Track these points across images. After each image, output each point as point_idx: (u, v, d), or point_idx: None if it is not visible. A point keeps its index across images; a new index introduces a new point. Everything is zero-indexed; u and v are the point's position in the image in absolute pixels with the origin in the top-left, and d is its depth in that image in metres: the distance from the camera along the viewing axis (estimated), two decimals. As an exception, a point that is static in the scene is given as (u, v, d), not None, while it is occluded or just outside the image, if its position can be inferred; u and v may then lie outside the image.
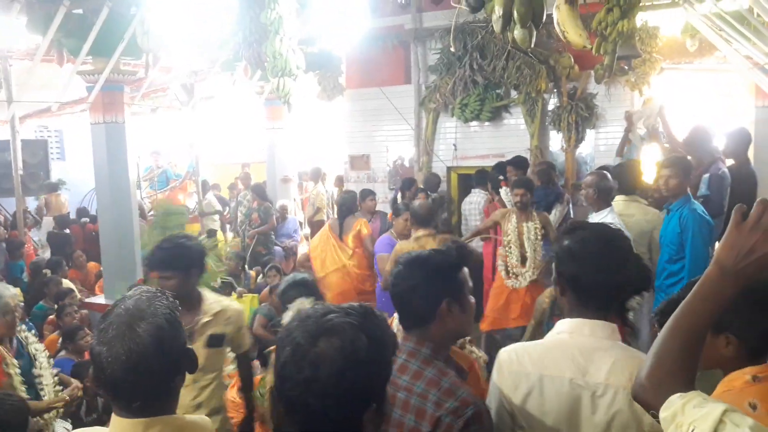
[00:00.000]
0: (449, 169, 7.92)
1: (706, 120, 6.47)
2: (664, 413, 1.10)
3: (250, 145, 12.62)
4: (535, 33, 5.61)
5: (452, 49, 7.06)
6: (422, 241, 4.64)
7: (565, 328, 1.66)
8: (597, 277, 1.59)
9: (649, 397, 1.15)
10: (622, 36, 4.80)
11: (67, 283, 6.39)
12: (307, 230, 10.02)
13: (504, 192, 6.16)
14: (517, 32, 5.45)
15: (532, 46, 5.92)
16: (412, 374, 1.68)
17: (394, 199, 7.05)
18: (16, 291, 3.14)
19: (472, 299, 1.82)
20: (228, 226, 10.62)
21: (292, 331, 1.17)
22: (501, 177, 6.40)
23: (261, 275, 7.41)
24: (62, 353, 4.75)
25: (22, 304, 6.31)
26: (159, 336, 1.36)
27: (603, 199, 4.50)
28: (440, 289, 1.72)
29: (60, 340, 4.97)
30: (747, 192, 5.57)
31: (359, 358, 1.12)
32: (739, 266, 1.10)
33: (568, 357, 1.59)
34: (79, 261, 7.74)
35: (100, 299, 6.73)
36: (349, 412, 1.14)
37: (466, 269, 1.81)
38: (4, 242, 7.31)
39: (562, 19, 4.13)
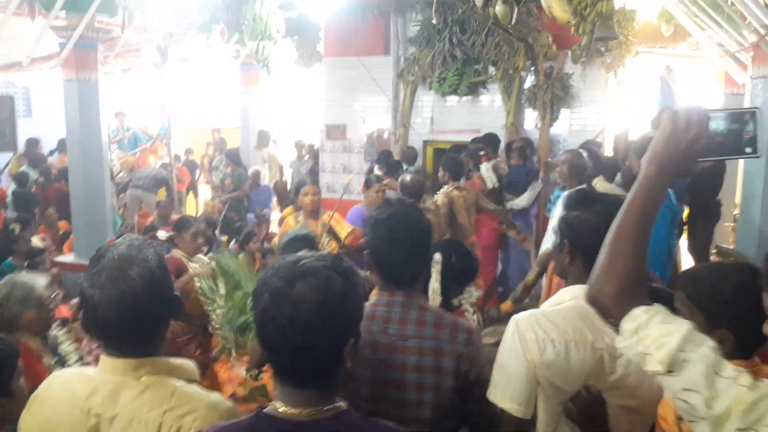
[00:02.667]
0: (425, 142, 7.97)
1: (675, 105, 6.63)
2: (627, 325, 1.16)
3: (223, 110, 12.45)
4: (516, 10, 5.67)
5: (434, 22, 7.06)
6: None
7: (578, 293, 1.70)
8: None
9: (610, 305, 1.19)
10: (600, 17, 4.90)
11: (36, 241, 6.30)
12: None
13: (484, 168, 6.23)
14: (499, 8, 5.52)
15: (513, 22, 6.01)
16: (415, 323, 1.83)
17: (369, 170, 7.07)
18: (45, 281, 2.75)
19: None
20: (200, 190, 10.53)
21: (268, 279, 1.25)
22: (482, 153, 6.44)
23: (234, 241, 7.39)
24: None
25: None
26: (151, 280, 1.42)
27: (576, 177, 4.61)
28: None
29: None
30: (712, 179, 5.74)
31: (335, 295, 1.22)
32: (674, 163, 1.17)
33: (587, 321, 1.67)
34: (50, 219, 7.59)
35: (68, 258, 6.66)
36: (331, 347, 1.23)
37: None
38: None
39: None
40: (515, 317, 1.75)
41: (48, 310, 2.65)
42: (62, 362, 2.70)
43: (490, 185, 6.18)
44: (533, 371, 1.66)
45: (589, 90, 7.06)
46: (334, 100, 8.38)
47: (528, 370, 1.66)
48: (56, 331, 2.80)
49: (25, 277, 2.69)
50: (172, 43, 8.63)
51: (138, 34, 8.27)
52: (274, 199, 9.87)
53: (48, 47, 7.27)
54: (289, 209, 8.64)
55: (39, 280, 2.68)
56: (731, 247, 5.62)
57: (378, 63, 7.99)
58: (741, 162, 7.03)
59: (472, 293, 2.61)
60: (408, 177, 5.00)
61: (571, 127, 7.22)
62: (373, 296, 1.94)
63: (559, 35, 6.85)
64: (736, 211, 6.25)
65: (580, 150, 4.91)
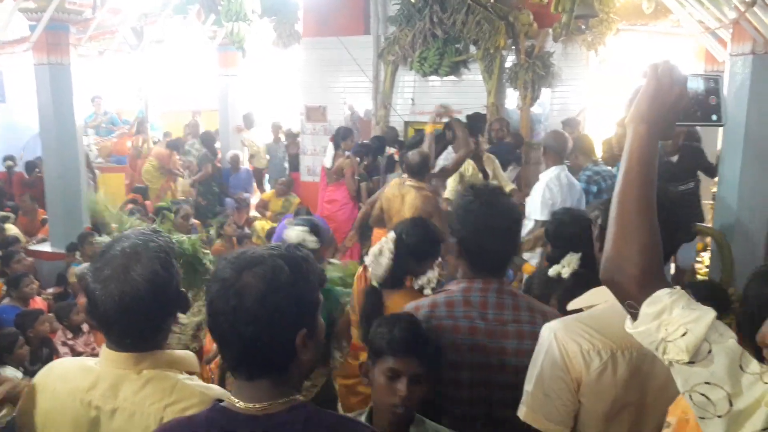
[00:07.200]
0: (407, 123, 7.91)
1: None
2: (649, 308, 1.06)
3: (202, 92, 12.25)
4: (495, -13, 5.56)
5: (412, 0, 6.97)
6: (404, 189, 4.54)
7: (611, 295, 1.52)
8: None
9: (633, 287, 1.10)
10: (581, -5, 4.85)
11: (11, 228, 6.18)
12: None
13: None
14: (478, -14, 5.43)
15: (492, 0, 5.94)
16: (511, 308, 1.85)
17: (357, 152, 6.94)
18: None
19: None
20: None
21: (219, 270, 1.22)
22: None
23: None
24: (6, 300, 4.67)
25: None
26: (153, 280, 1.39)
27: (553, 158, 4.59)
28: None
29: (4, 287, 4.85)
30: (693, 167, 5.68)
31: (280, 284, 1.17)
32: (661, 121, 1.10)
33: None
34: (27, 206, 7.42)
35: (45, 246, 6.55)
36: (279, 338, 1.18)
37: None
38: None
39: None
40: (551, 327, 1.59)
41: None
42: None
43: None
44: (576, 389, 1.52)
45: (570, 69, 7.03)
46: (314, 81, 8.28)
47: (570, 388, 1.52)
48: None
49: None
50: (148, 24, 8.45)
51: (113, 15, 8.08)
52: (254, 183, 9.78)
53: (20, 30, 7.08)
54: (269, 193, 8.60)
55: None
56: (709, 225, 5.64)
57: (358, 43, 7.89)
58: (719, 139, 7.05)
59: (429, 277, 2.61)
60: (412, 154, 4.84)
61: (552, 107, 7.20)
62: (455, 284, 1.93)
63: (540, 13, 6.79)
64: (714, 189, 6.27)
65: (563, 132, 4.88)
